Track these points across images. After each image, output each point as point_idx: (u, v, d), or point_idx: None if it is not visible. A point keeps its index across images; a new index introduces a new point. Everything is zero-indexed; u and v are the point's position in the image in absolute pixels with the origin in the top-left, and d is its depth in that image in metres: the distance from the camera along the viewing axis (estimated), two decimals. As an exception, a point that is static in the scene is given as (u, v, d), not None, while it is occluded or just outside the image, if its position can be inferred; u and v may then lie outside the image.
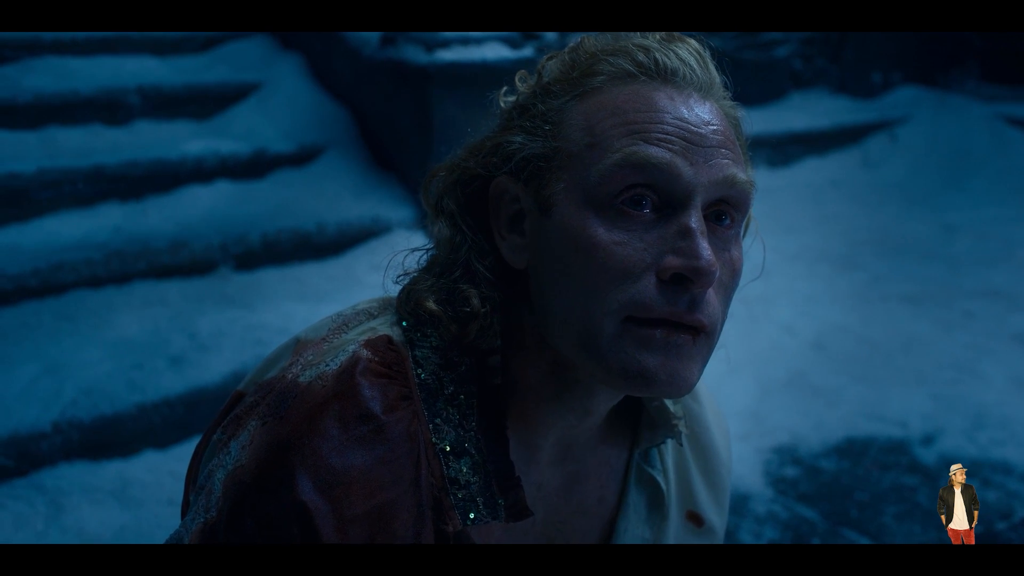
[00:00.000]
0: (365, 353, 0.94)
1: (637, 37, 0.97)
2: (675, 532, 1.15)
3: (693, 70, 0.94)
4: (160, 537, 2.49)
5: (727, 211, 0.93)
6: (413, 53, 4.12)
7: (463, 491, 0.94)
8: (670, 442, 1.14)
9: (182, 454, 2.81)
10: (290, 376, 0.94)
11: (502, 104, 1.04)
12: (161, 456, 2.78)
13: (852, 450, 3.13)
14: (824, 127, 6.04)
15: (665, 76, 0.93)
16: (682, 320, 0.88)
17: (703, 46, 0.98)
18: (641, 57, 0.94)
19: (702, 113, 0.92)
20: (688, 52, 0.95)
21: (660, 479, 1.12)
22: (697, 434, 1.18)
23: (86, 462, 2.67)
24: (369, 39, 4.45)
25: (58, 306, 3.17)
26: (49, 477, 2.60)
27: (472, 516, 0.93)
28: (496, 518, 0.94)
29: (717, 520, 1.19)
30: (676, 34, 0.98)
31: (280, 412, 0.90)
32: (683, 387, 0.91)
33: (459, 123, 1.09)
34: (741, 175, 0.92)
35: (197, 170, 3.98)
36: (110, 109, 4.19)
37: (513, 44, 4.25)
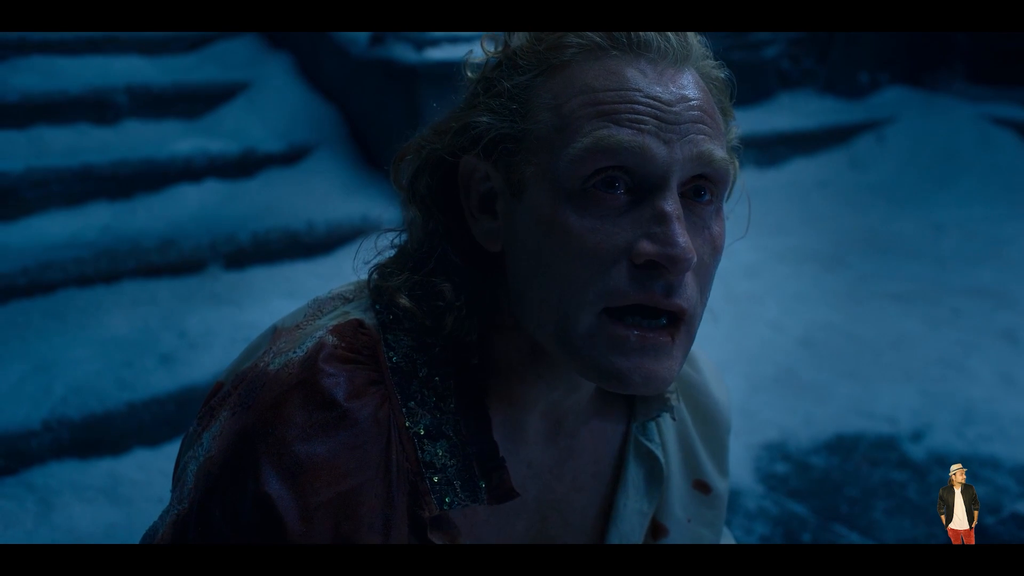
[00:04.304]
0: (331, 339, 0.92)
1: None
2: (682, 502, 1.14)
3: (667, 39, 0.89)
4: (151, 535, 2.48)
5: (706, 186, 0.89)
6: (402, 52, 4.12)
7: (439, 475, 0.91)
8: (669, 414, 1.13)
9: (172, 452, 2.79)
10: (261, 365, 0.93)
11: (468, 73, 0.99)
12: (152, 454, 2.77)
13: (842, 446, 3.14)
14: (812, 127, 6.04)
15: (637, 48, 0.88)
16: (658, 305, 0.86)
17: None
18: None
19: (676, 87, 0.87)
20: None
21: (658, 452, 1.10)
22: (699, 402, 1.16)
23: (76, 460, 2.66)
24: (358, 38, 4.44)
25: (47, 305, 3.16)
26: (39, 475, 2.58)
27: (448, 500, 0.91)
28: (476, 501, 0.92)
29: (721, 485, 1.19)
30: None
31: (248, 401, 0.89)
32: (660, 386, 0.89)
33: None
34: (718, 152, 0.87)
35: (186, 169, 3.97)
36: (98, 108, 4.18)
37: (502, 43, 4.25)
